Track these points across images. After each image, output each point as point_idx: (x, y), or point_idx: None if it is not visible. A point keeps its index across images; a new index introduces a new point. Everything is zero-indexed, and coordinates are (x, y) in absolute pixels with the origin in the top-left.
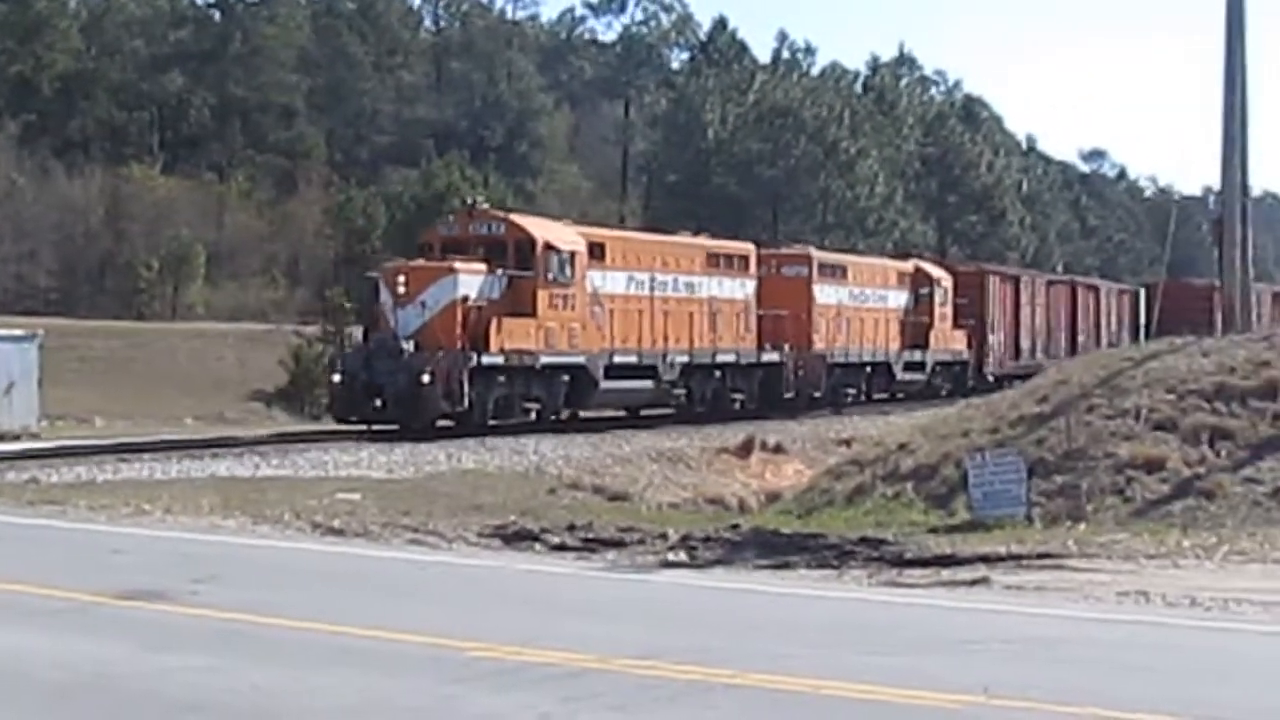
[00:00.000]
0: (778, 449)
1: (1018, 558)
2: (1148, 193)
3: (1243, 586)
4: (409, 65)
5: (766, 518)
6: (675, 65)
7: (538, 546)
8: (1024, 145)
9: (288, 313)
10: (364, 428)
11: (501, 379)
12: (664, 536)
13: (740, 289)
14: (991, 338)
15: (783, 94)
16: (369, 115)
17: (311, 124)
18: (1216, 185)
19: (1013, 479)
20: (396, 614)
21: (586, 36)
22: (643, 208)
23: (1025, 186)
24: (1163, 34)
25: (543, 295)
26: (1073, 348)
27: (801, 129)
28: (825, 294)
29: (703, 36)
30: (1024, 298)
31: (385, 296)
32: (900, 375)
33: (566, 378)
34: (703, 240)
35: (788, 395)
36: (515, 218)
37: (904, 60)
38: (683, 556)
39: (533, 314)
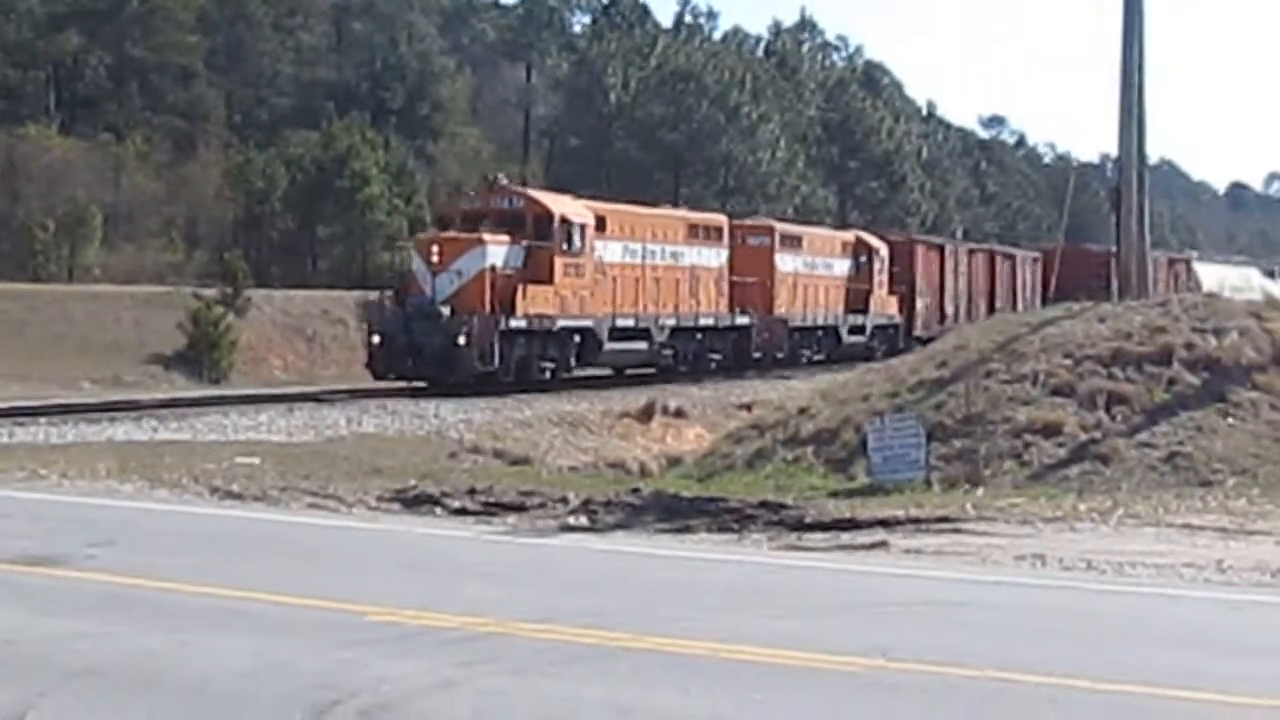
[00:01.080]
0: (679, 413)
1: (916, 521)
2: (1046, 159)
3: (1137, 549)
4: (309, 26)
5: (667, 482)
6: (577, 29)
7: (438, 510)
8: (924, 111)
9: (186, 275)
10: (402, 384)
11: (523, 341)
12: (564, 500)
13: (716, 258)
14: (920, 302)
15: (685, 58)
16: (268, 77)
17: (210, 85)
18: (1114, 152)
19: (912, 443)
20: (295, 578)
21: None
22: (544, 171)
23: (925, 153)
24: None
25: (559, 264)
26: (991, 310)
27: (703, 93)
28: (785, 263)
29: (605, 0)
30: (949, 265)
31: (418, 264)
32: (846, 338)
33: (577, 339)
34: (684, 212)
35: (756, 355)
36: (533, 193)
37: (806, 26)
38: (583, 520)
39: (550, 281)
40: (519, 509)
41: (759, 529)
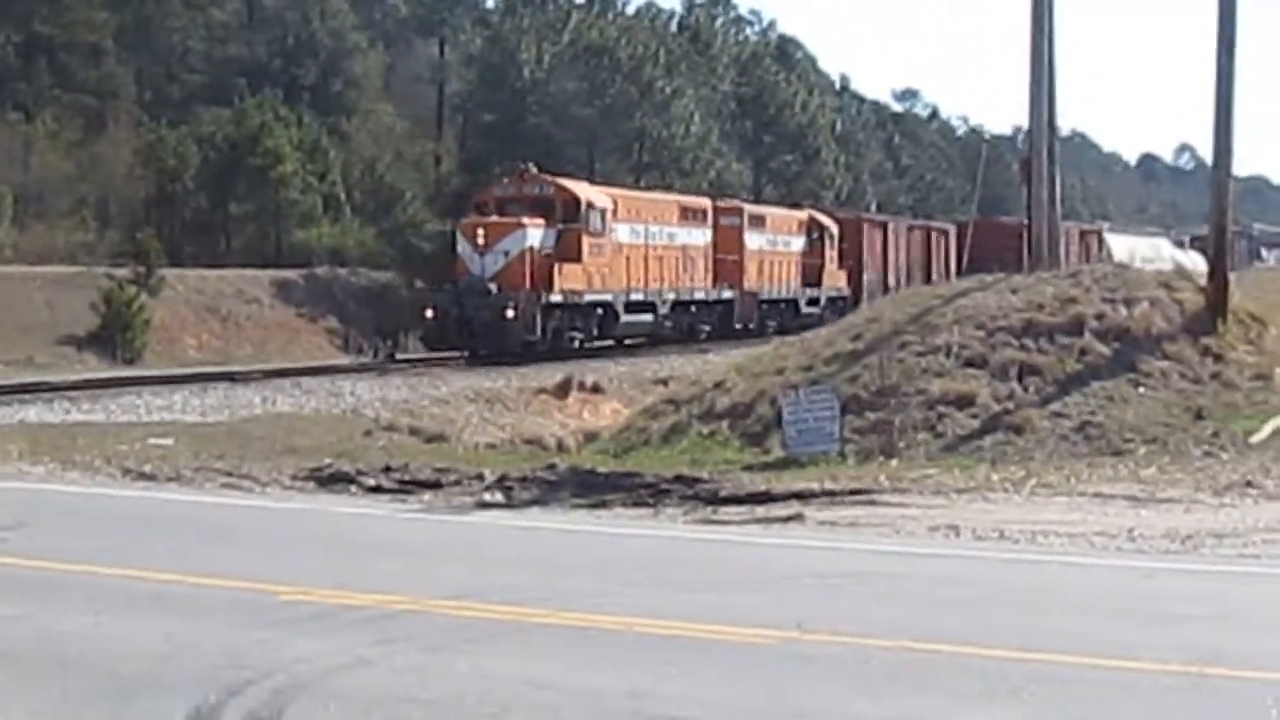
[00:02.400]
0: (595, 389)
1: (831, 494)
2: (959, 132)
3: (1049, 519)
4: (220, 3)
5: (583, 457)
6: (490, 4)
7: (353, 489)
8: (837, 85)
9: (98, 255)
10: (458, 354)
11: (558, 314)
12: (480, 477)
13: (703, 237)
14: (866, 275)
15: (598, 33)
16: (179, 53)
17: (120, 63)
18: (1025, 125)
19: (826, 416)
20: (209, 559)
21: None
22: (459, 147)
23: (839, 126)
24: None
25: (586, 244)
26: (927, 281)
27: (617, 68)
28: (753, 241)
29: None
30: (890, 241)
31: (464, 246)
32: (804, 309)
33: (600, 312)
34: (676, 196)
35: (737, 326)
36: (561, 180)
37: (719, 0)
38: (499, 497)
39: (579, 260)
40: (435, 486)
41: (674, 503)
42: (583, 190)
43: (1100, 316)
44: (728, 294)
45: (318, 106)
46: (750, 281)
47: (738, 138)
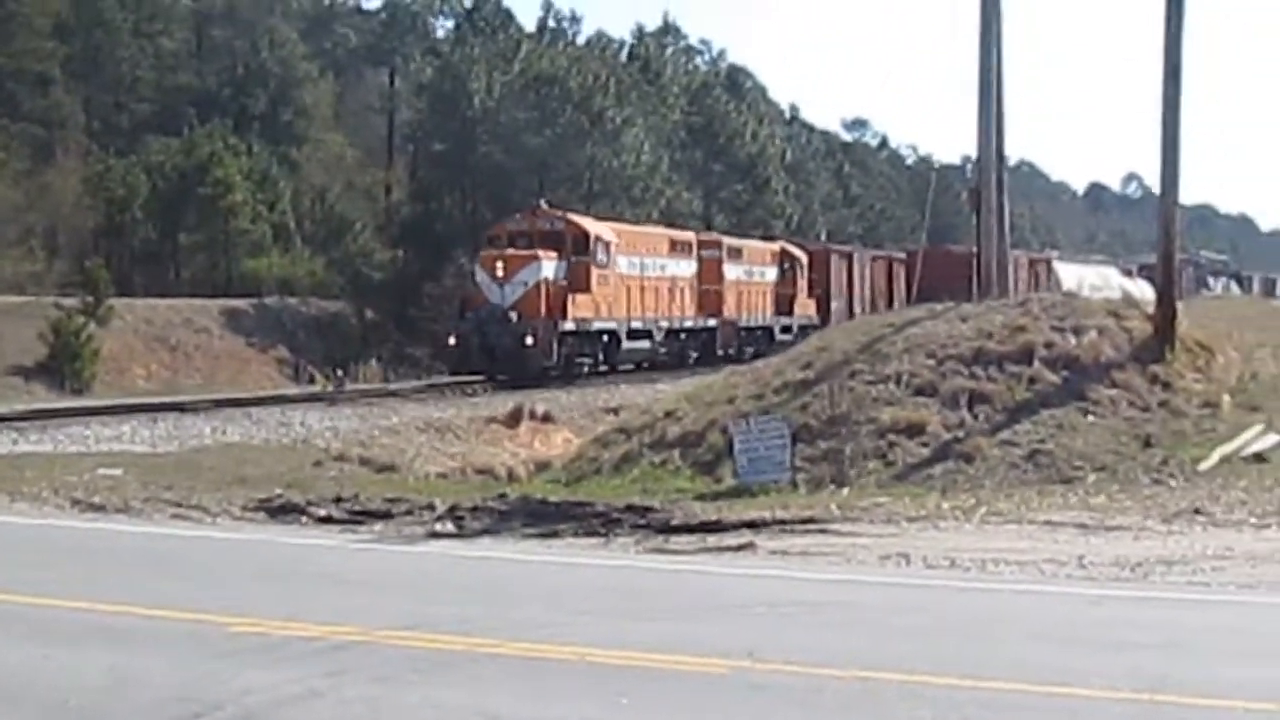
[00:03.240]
0: (546, 418)
1: (783, 523)
2: (909, 161)
3: (1000, 547)
4: (169, 32)
5: (534, 487)
6: (440, 33)
7: (304, 519)
8: (787, 115)
9: (46, 285)
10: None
11: (571, 340)
12: (431, 507)
13: (689, 269)
14: (834, 304)
15: (548, 62)
16: (128, 83)
17: (69, 92)
18: (974, 154)
19: (777, 445)
20: (158, 590)
21: (350, 4)
22: (409, 176)
23: (789, 155)
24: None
25: (594, 275)
26: (890, 307)
27: (567, 98)
28: (731, 272)
29: (468, 4)
30: (856, 270)
31: (483, 277)
32: (778, 336)
33: (605, 339)
34: (666, 230)
35: (719, 352)
36: (571, 216)
37: (668, 30)
38: (450, 527)
39: (589, 290)
40: (385, 516)
41: (626, 532)
42: (590, 225)
43: (1049, 345)
44: (711, 322)
45: (267, 136)
46: (730, 310)
47: (688, 167)
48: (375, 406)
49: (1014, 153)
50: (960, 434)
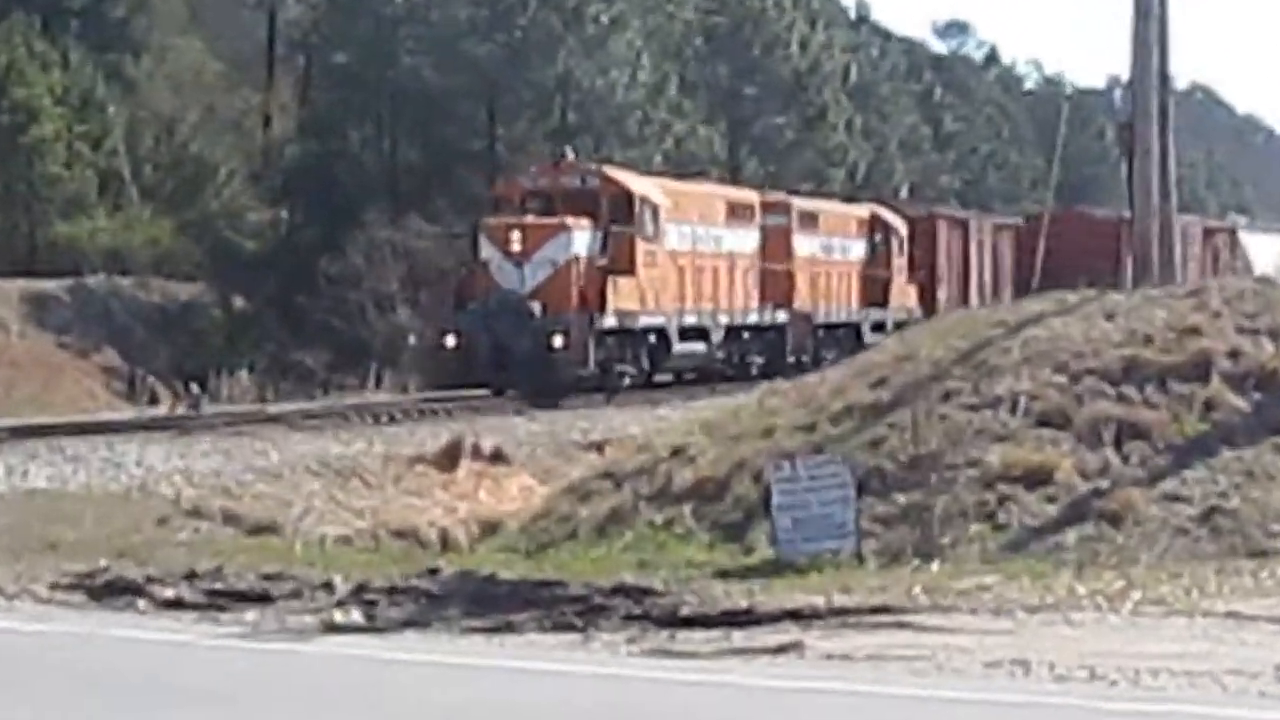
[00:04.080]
0: (497, 457)
1: (843, 612)
2: (1029, 84)
3: (1162, 651)
4: None
5: (480, 558)
6: None
7: (141, 603)
8: (853, 13)
9: None
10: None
11: (611, 342)
12: (328, 587)
13: (750, 241)
14: (942, 292)
15: None
16: None
17: None
18: (1126, 74)
19: (836, 498)
20: None
21: None
22: (298, 101)
23: (854, 74)
24: None
25: (641, 252)
26: (1018, 297)
27: None
28: (803, 246)
29: None
30: (973, 245)
31: (493, 253)
32: (868, 337)
33: (653, 339)
34: (718, 188)
35: (790, 359)
36: (609, 170)
37: None
38: (356, 616)
39: (633, 272)
40: (262, 600)
41: (614, 626)
42: (633, 182)
43: (1235, 354)
44: (779, 316)
45: (91, 40)
46: (802, 300)
47: (706, 90)
48: (248, 438)
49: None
50: (1103, 484)
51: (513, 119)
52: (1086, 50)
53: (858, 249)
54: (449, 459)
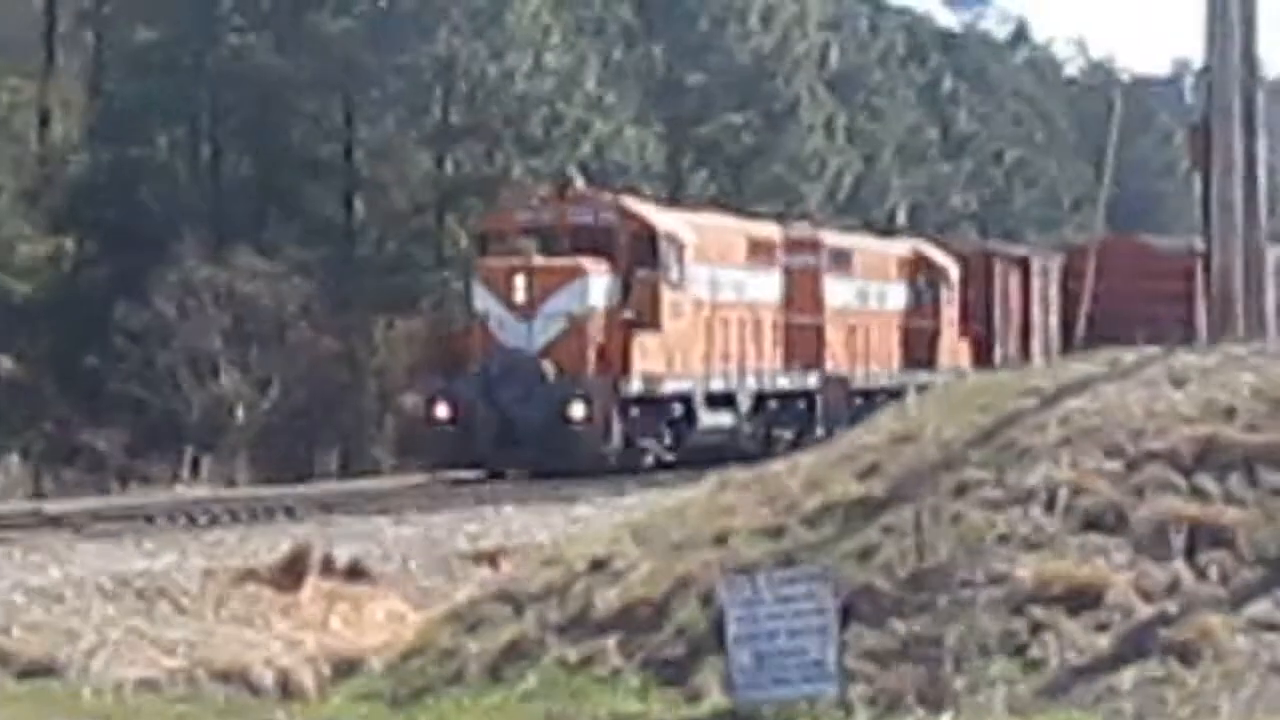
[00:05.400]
0: (354, 572)
1: None
2: (1070, 71)
3: None
4: None
5: (333, 709)
6: None
7: None
8: None
9: None
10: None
11: (635, 412)
12: None
13: (772, 288)
14: (999, 347)
15: None
16: None
17: None
18: (1199, 58)
19: (812, 628)
20: None
21: None
22: (87, 93)
23: (835, 57)
24: None
25: (667, 302)
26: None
27: None
28: (835, 293)
29: None
30: (1035, 286)
31: (490, 303)
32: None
33: (679, 409)
34: (735, 220)
35: (820, 432)
36: (626, 200)
37: None
38: None
39: (658, 327)
40: None
41: None
42: (655, 215)
43: None
44: (810, 381)
45: None
46: (835, 359)
47: (636, 78)
48: (18, 548)
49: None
50: (1173, 608)
51: (377, 118)
52: (1145, 27)
53: (898, 295)
54: (290, 575)
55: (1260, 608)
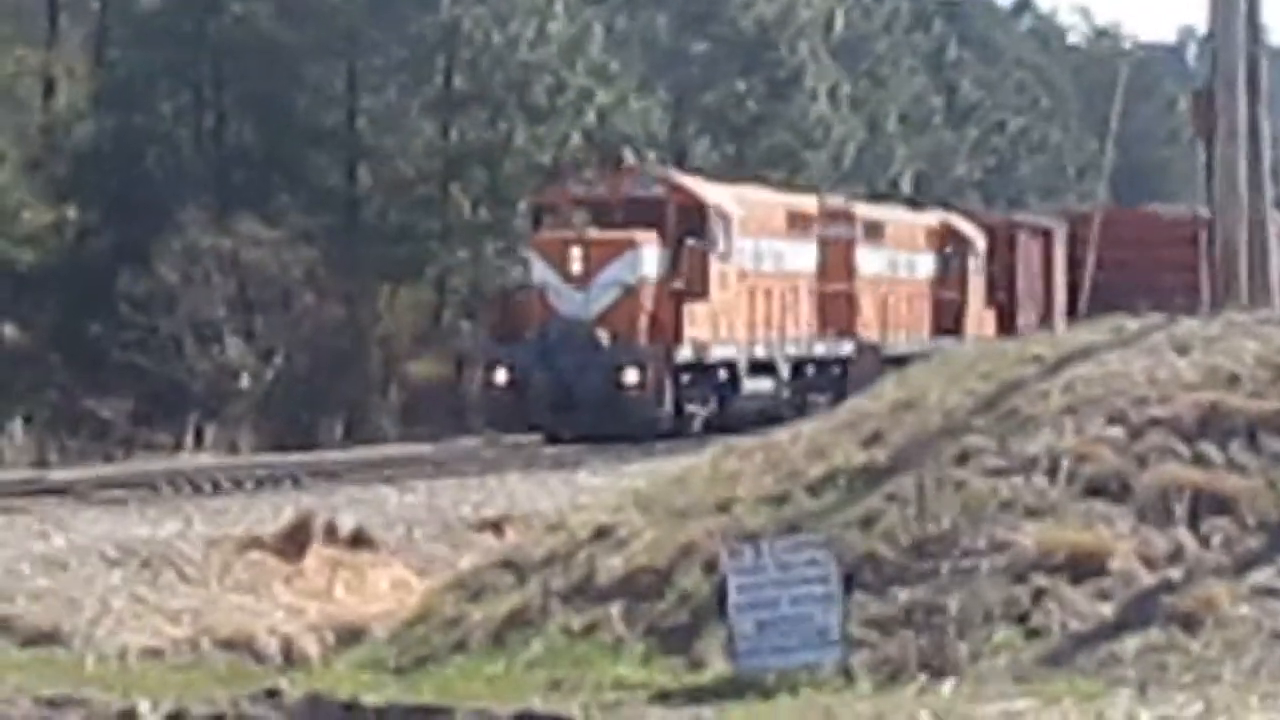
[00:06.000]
0: (358, 541)
1: None
2: (1074, 39)
3: None
4: None
5: (337, 676)
6: None
7: None
8: None
9: None
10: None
11: (686, 379)
12: (131, 716)
13: (808, 258)
14: (1023, 316)
15: None
16: None
17: None
18: (1203, 25)
19: (815, 596)
20: None
21: None
22: (91, 61)
23: (839, 25)
24: None
25: (715, 273)
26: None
27: None
28: (867, 262)
29: None
30: (1057, 256)
31: (547, 273)
32: None
33: (724, 375)
34: (775, 194)
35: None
36: (677, 176)
37: None
38: None
39: (706, 296)
40: None
41: None
42: (704, 190)
43: None
44: (844, 348)
45: None
46: (867, 327)
47: (640, 46)
48: (22, 516)
49: None
50: (1175, 574)
51: (380, 86)
52: None
53: (926, 264)
54: (294, 543)
55: (1263, 575)
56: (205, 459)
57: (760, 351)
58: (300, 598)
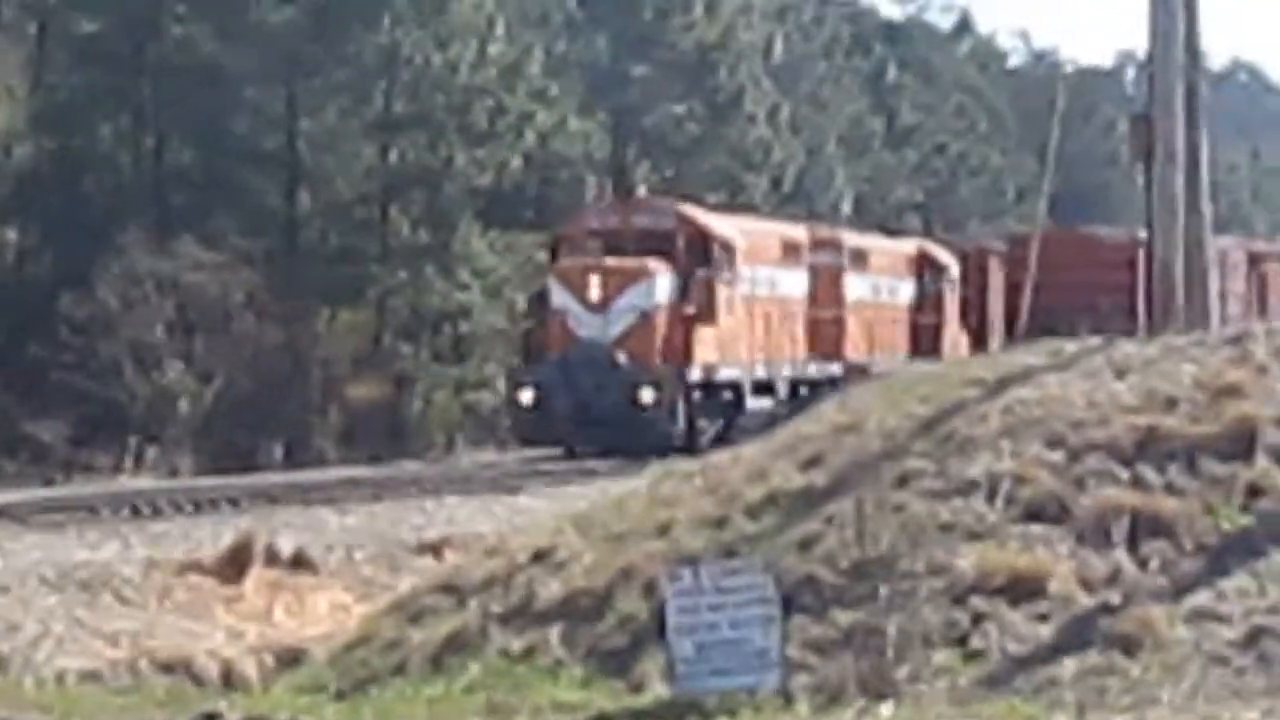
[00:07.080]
0: (298, 563)
1: None
2: (1013, 62)
3: None
4: None
5: (276, 700)
6: None
7: None
8: None
9: None
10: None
11: (696, 398)
12: None
13: (800, 284)
14: (993, 340)
15: None
16: None
17: None
18: (1142, 49)
19: (754, 618)
20: None
21: None
22: (29, 82)
23: (779, 48)
24: None
25: (722, 299)
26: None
27: None
28: (854, 288)
29: None
30: (1027, 282)
31: (568, 300)
32: None
33: (729, 394)
34: (771, 223)
35: None
36: (682, 207)
37: None
38: None
39: (714, 321)
40: None
41: None
42: (710, 220)
43: None
44: (832, 369)
45: None
46: (854, 349)
47: (580, 70)
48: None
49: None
50: (1113, 597)
51: (320, 108)
52: (1088, 18)
53: (905, 290)
54: (234, 566)
55: (1201, 598)
56: (145, 482)
57: (761, 372)
58: (240, 620)
